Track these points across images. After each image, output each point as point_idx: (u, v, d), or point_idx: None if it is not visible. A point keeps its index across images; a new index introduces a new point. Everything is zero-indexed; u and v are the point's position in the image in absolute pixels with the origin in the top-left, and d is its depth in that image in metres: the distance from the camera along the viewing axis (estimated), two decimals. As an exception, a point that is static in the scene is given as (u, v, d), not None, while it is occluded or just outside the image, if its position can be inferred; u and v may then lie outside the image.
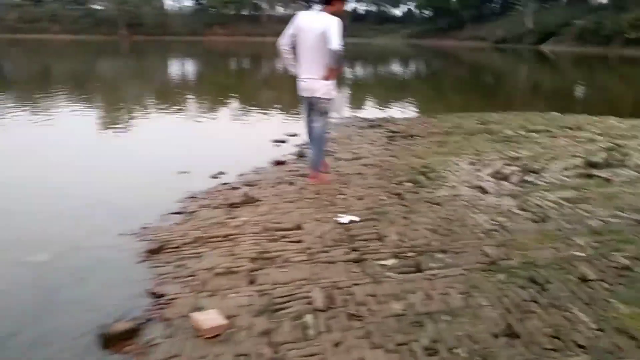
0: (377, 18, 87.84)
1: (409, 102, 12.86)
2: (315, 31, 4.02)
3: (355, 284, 2.58)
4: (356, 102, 12.15)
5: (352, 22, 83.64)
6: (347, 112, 9.58)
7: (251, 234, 3.28)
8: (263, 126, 8.49)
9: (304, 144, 6.51)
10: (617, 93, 17.69)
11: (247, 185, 4.52)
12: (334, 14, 4.07)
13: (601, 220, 3.20)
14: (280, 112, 10.19)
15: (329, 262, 2.86)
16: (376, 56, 39.60)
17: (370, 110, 10.46)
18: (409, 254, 2.93)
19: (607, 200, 3.52)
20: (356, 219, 3.51)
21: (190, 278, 2.71)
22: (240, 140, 7.36)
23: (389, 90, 16.25)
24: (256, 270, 2.78)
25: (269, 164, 5.38)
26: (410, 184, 4.32)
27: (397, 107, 11.54)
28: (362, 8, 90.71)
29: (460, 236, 3.15)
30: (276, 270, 2.77)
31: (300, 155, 5.71)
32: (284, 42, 4.20)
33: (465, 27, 66.05)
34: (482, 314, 2.25)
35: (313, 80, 4.17)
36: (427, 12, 78.18)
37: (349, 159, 5.39)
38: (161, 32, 58.89)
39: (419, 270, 2.74)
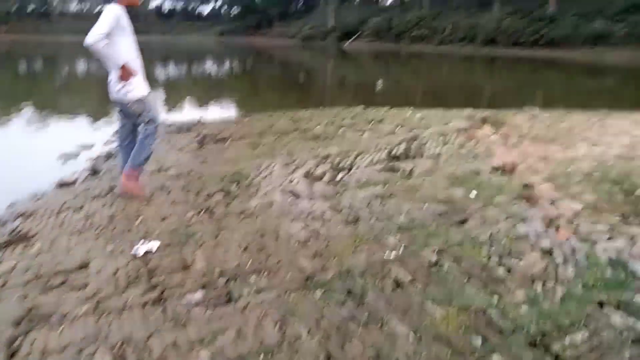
0: (185, 15, 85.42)
1: (221, 102, 12.48)
2: None
3: (154, 334, 2.13)
4: (164, 105, 11.31)
5: (159, 19, 79.92)
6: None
7: (17, 286, 2.57)
8: (53, 139, 7.26)
9: (101, 156, 5.71)
10: (409, 85, 19.78)
11: (20, 217, 3.65)
12: (128, 5, 3.65)
13: (408, 215, 3.26)
14: (77, 120, 8.91)
15: (122, 309, 2.34)
16: (186, 54, 38.19)
17: (180, 113, 9.82)
18: (219, 282, 2.57)
19: (411, 193, 3.64)
20: (156, 246, 3.02)
21: None
22: (20, 158, 6.14)
23: (199, 90, 15.65)
24: (19, 337, 2.14)
25: (53, 186, 4.49)
26: (221, 196, 3.96)
27: (209, 107, 11.07)
28: (168, 4, 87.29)
29: (274, 251, 2.90)
30: (49, 333, 2.16)
31: (94, 172, 4.92)
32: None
33: (273, 24, 67.97)
34: (301, 346, 2.01)
35: (110, 83, 3.72)
36: (235, 10, 78.38)
37: (152, 170, 4.79)
38: None
39: (230, 300, 2.40)
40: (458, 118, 6.33)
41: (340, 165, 4.64)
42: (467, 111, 7.39)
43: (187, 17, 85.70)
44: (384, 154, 4.81)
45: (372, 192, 3.74)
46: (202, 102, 12.25)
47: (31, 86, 16.05)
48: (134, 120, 3.91)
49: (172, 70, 25.18)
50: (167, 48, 45.23)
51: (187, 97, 13.34)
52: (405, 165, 4.38)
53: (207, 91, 15.33)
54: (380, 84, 20.62)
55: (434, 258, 2.65)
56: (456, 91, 17.34)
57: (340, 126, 6.61)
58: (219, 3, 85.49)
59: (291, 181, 4.25)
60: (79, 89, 15.21)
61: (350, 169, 4.52)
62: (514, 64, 29.81)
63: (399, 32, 46.85)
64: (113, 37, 3.51)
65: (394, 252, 2.76)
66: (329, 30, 56.67)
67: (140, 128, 3.91)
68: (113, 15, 3.46)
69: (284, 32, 64.49)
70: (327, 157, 4.95)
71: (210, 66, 29.45)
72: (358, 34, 52.93)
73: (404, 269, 2.58)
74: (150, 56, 35.60)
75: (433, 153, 4.76)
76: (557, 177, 4.18)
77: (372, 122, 6.85)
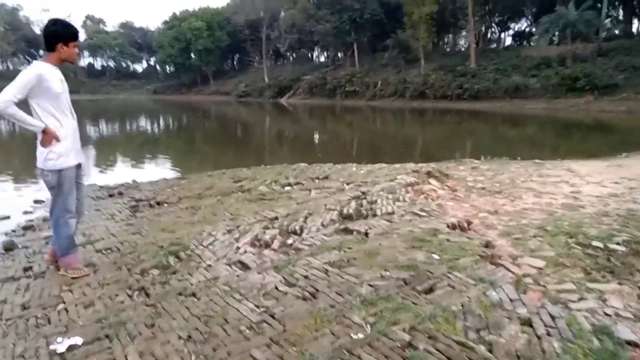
0: (117, 74, 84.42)
1: (157, 161, 11.94)
2: None
3: None
4: (95, 166, 10.62)
5: (90, 78, 78.17)
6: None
7: None
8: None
9: (18, 228, 5.09)
10: (347, 139, 20.10)
11: None
12: (63, 61, 3.28)
13: (370, 285, 2.96)
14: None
15: None
16: (119, 112, 37.16)
17: (111, 175, 9.20)
18: (157, 388, 2.12)
19: (370, 259, 3.36)
20: (79, 341, 2.53)
21: None
22: None
23: (133, 148, 14.99)
24: None
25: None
26: (157, 271, 3.50)
27: (143, 167, 10.50)
28: (99, 63, 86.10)
29: (222, 340, 2.48)
30: None
31: (8, 249, 4.29)
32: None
33: (209, 82, 68.29)
34: None
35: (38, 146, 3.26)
36: (169, 68, 78.22)
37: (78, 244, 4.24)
38: None
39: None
40: (403, 173, 6.25)
41: (290, 228, 4.31)
42: (410, 165, 7.35)
43: (120, 75, 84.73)
44: (334, 215, 4.55)
45: (328, 259, 3.42)
46: (136, 161, 11.65)
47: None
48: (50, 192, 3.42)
49: (104, 129, 24.22)
50: (100, 107, 43.98)
51: (120, 157, 12.68)
52: (359, 227, 4.13)
53: (141, 150, 14.71)
54: (319, 137, 20.79)
55: (406, 338, 2.35)
56: (393, 143, 17.75)
57: (285, 184, 6.34)
58: (153, 61, 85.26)
59: (237, 250, 3.86)
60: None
61: (301, 232, 4.20)
62: (443, 116, 31.37)
63: (333, 88, 48.37)
64: (33, 98, 3.11)
65: (360, 334, 2.43)
66: (264, 87, 57.59)
67: (51, 203, 3.43)
68: (31, 75, 3.07)
69: (220, 89, 64.93)
70: (274, 219, 4.62)
71: (144, 124, 28.71)
72: (293, 90, 54.12)
73: (375, 354, 2.25)
74: (81, 116, 33.86)
75: (385, 211, 4.56)
76: (513, 232, 4.07)
77: (318, 179, 6.64)
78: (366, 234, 3.94)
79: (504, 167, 7.60)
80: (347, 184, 5.76)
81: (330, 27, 48.84)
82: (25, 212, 5.91)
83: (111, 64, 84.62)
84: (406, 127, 25.89)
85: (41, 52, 56.12)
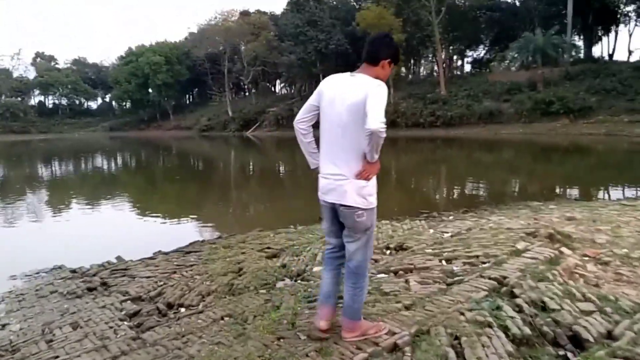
0: (71, 111, 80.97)
1: (139, 214, 9.84)
2: (346, 102, 2.49)
3: None
4: (51, 235, 8.42)
5: (41, 117, 74.17)
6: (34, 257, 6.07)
7: None
8: None
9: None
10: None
11: None
12: (377, 78, 2.53)
13: None
14: None
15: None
16: (74, 151, 34.27)
17: (82, 245, 6.98)
18: None
19: None
20: None
21: None
22: None
23: (103, 197, 12.68)
24: None
25: None
26: None
27: (123, 228, 8.42)
28: (50, 101, 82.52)
29: None
30: None
31: None
32: (300, 116, 2.70)
33: (169, 117, 65.90)
34: None
35: (339, 179, 2.54)
36: (126, 104, 75.31)
37: None
38: None
39: None
40: (513, 236, 4.44)
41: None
42: (514, 223, 5.35)
43: (74, 112, 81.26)
44: (499, 340, 2.78)
45: None
46: (112, 216, 9.55)
47: None
48: (348, 234, 2.66)
49: (61, 171, 21.58)
50: (52, 147, 40.88)
51: (88, 210, 10.45)
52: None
53: (113, 198, 12.45)
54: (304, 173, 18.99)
55: None
56: (402, 177, 16.22)
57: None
58: (108, 97, 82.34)
59: None
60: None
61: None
62: (416, 144, 30.31)
63: (302, 118, 46.98)
64: None
65: None
66: (228, 120, 55.77)
67: (353, 246, 2.67)
68: None
69: (181, 124, 62.63)
70: (394, 351, 2.79)
71: (99, 162, 26.19)
72: (259, 123, 52.50)
73: None
74: (30, 157, 31.15)
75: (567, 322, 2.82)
76: None
77: (392, 250, 4.81)
78: None
79: (595, 212, 6.05)
80: (447, 260, 3.99)
81: (295, 58, 47.83)
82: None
83: (64, 101, 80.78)
84: (403, 157, 24.22)
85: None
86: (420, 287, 3.44)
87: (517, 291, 3.14)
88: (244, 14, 60.88)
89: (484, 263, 3.82)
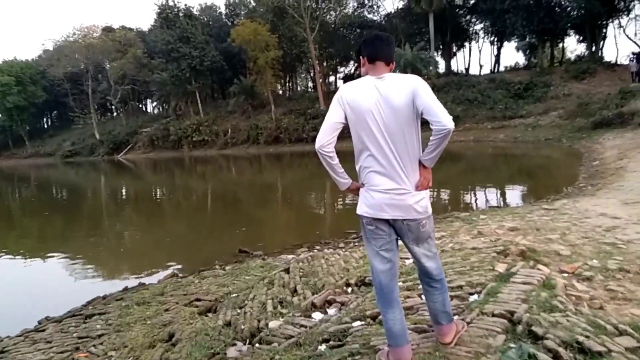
0: None
1: (14, 272, 7.93)
2: (393, 106, 2.25)
3: None
4: None
5: None
6: None
7: None
8: None
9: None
10: (207, 192, 17.44)
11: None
12: None
13: None
14: None
15: None
16: None
17: None
18: None
19: None
20: None
21: None
22: None
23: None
24: None
25: None
26: None
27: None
28: None
29: None
30: None
31: None
32: (324, 140, 2.31)
33: (24, 143, 58.60)
34: None
35: (401, 192, 2.31)
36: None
37: None
38: None
39: None
40: (486, 262, 3.93)
41: None
42: (476, 242, 4.86)
43: None
44: None
45: None
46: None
47: None
48: (416, 245, 2.45)
49: None
50: None
51: None
52: None
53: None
54: (191, 197, 17.61)
55: None
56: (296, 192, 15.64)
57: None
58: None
59: None
60: None
61: None
62: (301, 158, 30.25)
63: (178, 139, 44.87)
64: None
65: None
66: (96, 144, 51.16)
67: (430, 252, 2.51)
68: None
69: (39, 150, 56.10)
70: None
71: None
72: (131, 145, 48.91)
73: None
74: None
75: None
76: None
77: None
78: None
79: (531, 216, 5.96)
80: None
81: (167, 75, 45.42)
82: None
83: None
84: (288, 172, 23.69)
85: None
86: (419, 337, 2.79)
87: (538, 330, 2.61)
88: (107, 29, 56.63)
89: (472, 294, 3.30)
